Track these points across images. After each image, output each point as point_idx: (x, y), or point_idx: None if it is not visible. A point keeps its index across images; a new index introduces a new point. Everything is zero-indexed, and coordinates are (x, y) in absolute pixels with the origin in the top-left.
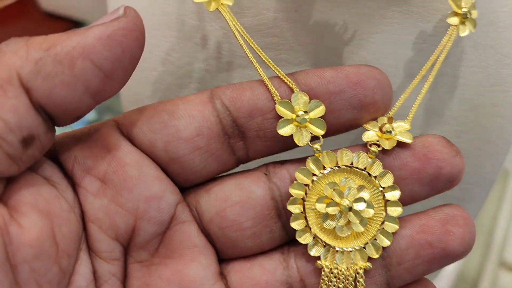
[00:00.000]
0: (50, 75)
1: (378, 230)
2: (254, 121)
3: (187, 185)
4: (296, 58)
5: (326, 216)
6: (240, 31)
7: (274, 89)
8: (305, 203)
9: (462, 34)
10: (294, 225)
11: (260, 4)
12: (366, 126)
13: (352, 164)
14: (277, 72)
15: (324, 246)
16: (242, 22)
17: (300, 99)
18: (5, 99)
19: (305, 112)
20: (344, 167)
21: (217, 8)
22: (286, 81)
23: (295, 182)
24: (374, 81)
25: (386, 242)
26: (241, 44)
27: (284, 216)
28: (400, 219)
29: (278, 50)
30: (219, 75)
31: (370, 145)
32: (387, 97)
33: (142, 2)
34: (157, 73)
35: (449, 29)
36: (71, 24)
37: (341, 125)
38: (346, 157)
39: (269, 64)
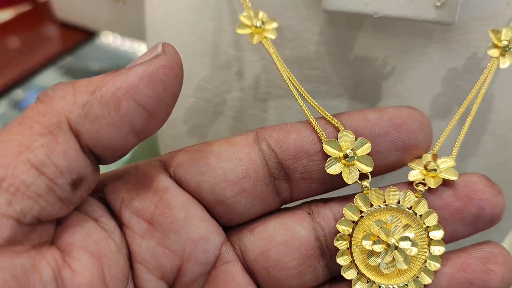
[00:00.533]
0: (97, 118)
1: (421, 268)
2: (299, 163)
3: (231, 225)
4: (334, 91)
5: (371, 253)
6: (281, 63)
7: (320, 129)
8: (352, 239)
9: (502, 66)
10: (340, 260)
11: (303, 38)
12: (411, 165)
13: (398, 202)
14: (317, 109)
15: (368, 282)
16: (283, 54)
17: (347, 138)
18: (56, 144)
19: (352, 150)
20: (391, 205)
21: (260, 41)
22: (331, 121)
23: (343, 218)
24: (416, 123)
25: (427, 280)
26: (283, 78)
27: (328, 255)
28: (440, 256)
29: (317, 82)
30: (256, 105)
31: (417, 185)
32: (429, 138)
33: (181, 29)
34: (194, 99)
35: (489, 62)
36: (86, 34)
37: (385, 167)
38: (393, 195)
39: (308, 100)
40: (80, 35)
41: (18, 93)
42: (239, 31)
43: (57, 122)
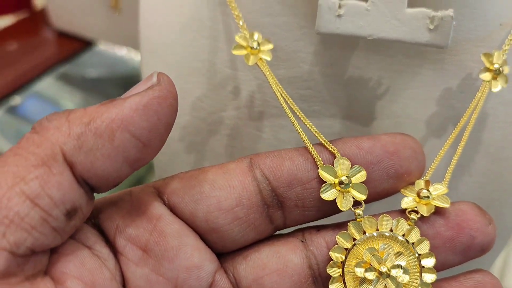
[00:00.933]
0: (91, 149)
1: None
2: (293, 191)
3: (224, 252)
4: (328, 110)
5: (364, 280)
6: (276, 84)
7: (317, 154)
8: (344, 266)
9: (494, 90)
10: (333, 287)
11: (297, 58)
12: (404, 191)
13: (391, 230)
14: (314, 133)
15: None
16: (277, 74)
17: (343, 165)
18: (50, 175)
19: (347, 177)
20: (384, 233)
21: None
22: (328, 146)
23: (336, 245)
24: (409, 150)
25: None
26: (278, 98)
27: (320, 283)
28: (432, 284)
29: (311, 102)
30: (251, 123)
31: (410, 213)
32: (422, 165)
33: (177, 47)
34: (189, 118)
35: (481, 85)
36: (82, 43)
37: (378, 194)
38: (386, 223)
39: (303, 119)
40: (76, 45)
41: (15, 99)
42: (235, 52)
43: (52, 153)
